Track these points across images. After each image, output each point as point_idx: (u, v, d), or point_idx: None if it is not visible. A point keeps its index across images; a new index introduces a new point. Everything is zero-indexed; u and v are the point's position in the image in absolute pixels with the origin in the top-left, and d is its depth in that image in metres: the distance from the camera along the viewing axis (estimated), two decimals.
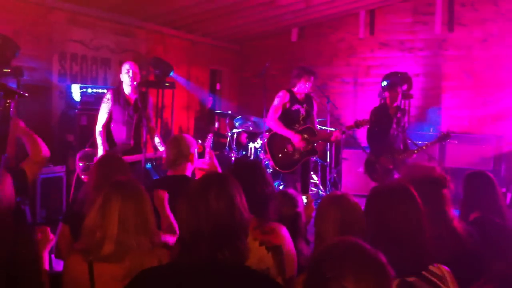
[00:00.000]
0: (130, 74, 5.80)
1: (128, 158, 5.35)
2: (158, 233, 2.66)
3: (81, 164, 5.84)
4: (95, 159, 5.79)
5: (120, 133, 5.91)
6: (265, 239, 2.54)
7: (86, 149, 5.96)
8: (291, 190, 3.39)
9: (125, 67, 5.86)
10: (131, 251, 2.45)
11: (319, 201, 2.65)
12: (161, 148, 5.87)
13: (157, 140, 5.97)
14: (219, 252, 1.91)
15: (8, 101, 2.84)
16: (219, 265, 1.91)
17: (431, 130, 9.13)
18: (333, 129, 7.12)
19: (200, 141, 5.20)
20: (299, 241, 3.13)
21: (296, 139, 6.27)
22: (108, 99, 5.86)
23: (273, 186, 2.96)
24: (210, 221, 1.93)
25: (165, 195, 3.28)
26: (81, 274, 2.44)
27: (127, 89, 5.88)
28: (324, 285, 1.54)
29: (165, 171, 4.25)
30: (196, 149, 4.10)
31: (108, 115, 5.85)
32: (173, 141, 4.07)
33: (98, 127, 5.82)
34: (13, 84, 5.86)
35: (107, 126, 5.87)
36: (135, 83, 5.83)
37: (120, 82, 5.95)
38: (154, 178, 6.03)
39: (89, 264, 2.44)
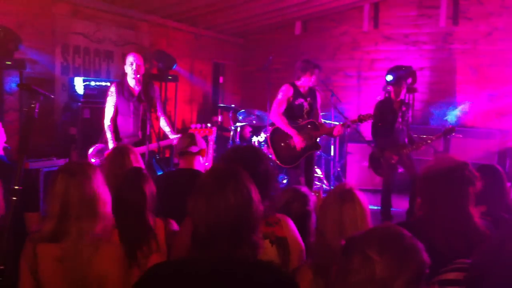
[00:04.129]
0: (134, 66, 5.74)
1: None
2: (108, 218, 2.60)
3: (93, 161, 5.78)
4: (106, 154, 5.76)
5: (127, 126, 5.87)
6: (269, 231, 2.49)
7: (97, 145, 5.88)
8: (304, 188, 3.32)
9: (129, 59, 5.81)
10: (70, 232, 2.44)
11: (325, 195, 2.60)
12: (171, 137, 5.85)
13: (167, 129, 5.94)
14: (239, 248, 1.89)
15: (33, 102, 2.85)
16: (237, 261, 1.89)
17: (436, 124, 9.10)
18: (336, 123, 7.07)
19: (209, 125, 5.34)
20: (308, 238, 3.08)
21: (297, 140, 6.24)
22: (112, 92, 5.81)
23: (274, 172, 2.86)
24: (230, 216, 1.89)
25: None
26: (28, 255, 2.48)
27: (131, 81, 5.83)
28: (350, 254, 1.61)
29: (169, 165, 4.28)
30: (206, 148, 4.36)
31: (114, 108, 5.81)
32: (188, 133, 4.46)
33: (106, 121, 5.77)
34: (15, 77, 5.90)
35: (114, 119, 5.84)
36: (138, 75, 5.78)
37: (124, 74, 5.91)
38: (158, 173, 6.00)
39: (33, 244, 2.47)
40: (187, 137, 4.24)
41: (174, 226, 3.06)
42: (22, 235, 3.07)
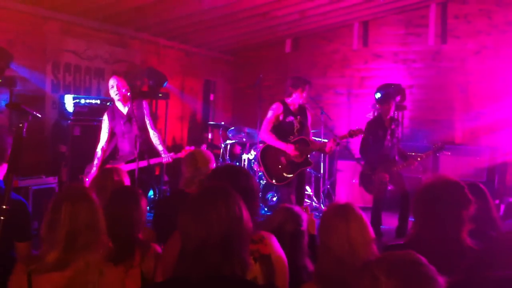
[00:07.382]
0: (114, 90, 5.80)
1: (124, 167, 5.44)
2: (106, 244, 2.57)
3: (87, 180, 5.80)
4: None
5: (124, 146, 5.97)
6: (254, 248, 2.47)
7: (90, 165, 5.93)
8: (296, 208, 3.33)
9: (110, 83, 5.89)
10: (76, 260, 2.39)
11: (317, 213, 2.62)
12: (163, 155, 5.85)
13: (160, 148, 5.95)
14: (228, 264, 1.89)
15: (21, 121, 2.87)
16: (226, 278, 1.89)
17: (425, 141, 9.15)
18: (326, 140, 7.08)
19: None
20: (302, 257, 3.09)
21: (290, 149, 6.22)
22: (104, 120, 5.95)
23: (258, 191, 2.88)
24: (221, 231, 1.90)
25: None
26: (21, 285, 2.38)
27: (118, 104, 5.92)
28: (362, 273, 1.66)
29: (160, 183, 4.21)
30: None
31: (109, 132, 5.90)
32: (190, 157, 3.94)
33: (99, 145, 5.89)
34: (6, 94, 5.89)
35: (109, 142, 5.94)
36: (123, 95, 5.81)
37: (112, 99, 5.97)
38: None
39: (28, 275, 2.37)
40: (190, 164, 3.83)
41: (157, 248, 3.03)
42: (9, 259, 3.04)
